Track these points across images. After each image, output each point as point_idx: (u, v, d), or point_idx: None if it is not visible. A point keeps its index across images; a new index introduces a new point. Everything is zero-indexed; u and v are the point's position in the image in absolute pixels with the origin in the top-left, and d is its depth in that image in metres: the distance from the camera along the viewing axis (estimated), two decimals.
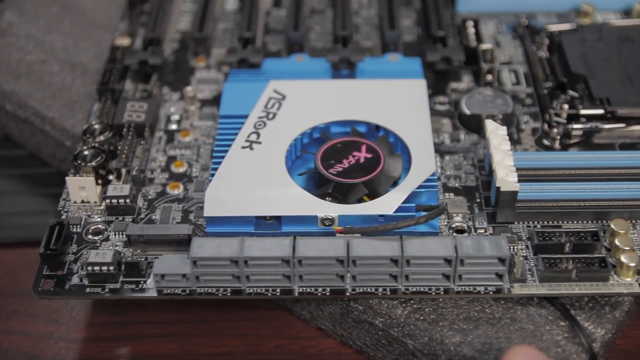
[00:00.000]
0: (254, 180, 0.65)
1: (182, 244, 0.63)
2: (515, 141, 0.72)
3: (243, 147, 0.67)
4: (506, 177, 0.63)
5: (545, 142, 0.72)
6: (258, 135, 0.68)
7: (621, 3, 0.85)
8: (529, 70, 0.79)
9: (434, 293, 0.61)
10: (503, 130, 0.67)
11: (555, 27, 0.81)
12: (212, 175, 0.65)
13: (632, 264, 0.61)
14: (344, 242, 0.60)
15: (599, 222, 0.65)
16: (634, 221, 0.65)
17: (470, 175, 0.69)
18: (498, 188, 0.63)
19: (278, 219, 0.64)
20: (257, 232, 0.64)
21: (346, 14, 0.82)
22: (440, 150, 0.71)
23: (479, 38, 0.80)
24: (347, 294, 0.61)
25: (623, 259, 0.61)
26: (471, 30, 0.81)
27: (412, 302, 0.63)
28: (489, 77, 0.76)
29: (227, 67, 0.79)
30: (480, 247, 0.60)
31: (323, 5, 0.87)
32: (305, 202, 0.63)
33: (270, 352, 0.66)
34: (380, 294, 0.61)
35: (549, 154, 0.69)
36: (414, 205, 0.63)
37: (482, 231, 0.65)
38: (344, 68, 0.76)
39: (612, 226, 0.63)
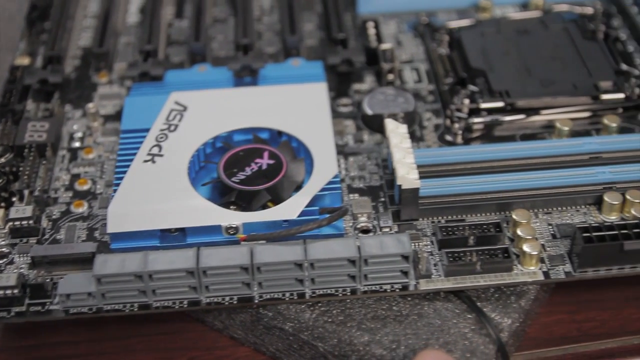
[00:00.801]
0: (157, 193, 0.64)
1: (87, 262, 0.63)
2: (418, 138, 0.73)
3: (145, 161, 0.67)
4: (407, 175, 0.63)
5: (448, 137, 0.73)
6: (160, 148, 0.68)
7: None
8: (430, 67, 0.79)
9: (340, 295, 0.62)
10: (403, 128, 0.67)
11: (454, 24, 0.82)
12: (115, 191, 0.65)
13: (535, 253, 0.62)
14: (248, 249, 0.60)
15: (502, 213, 0.66)
16: (535, 210, 0.66)
17: (375, 175, 0.69)
18: (399, 186, 0.64)
19: (183, 230, 0.63)
20: (162, 245, 0.63)
21: (247, 21, 0.82)
22: (344, 152, 0.71)
23: (379, 38, 0.81)
24: (255, 301, 0.61)
25: (525, 248, 0.62)
26: (372, 31, 0.81)
27: (320, 305, 0.63)
28: (390, 77, 0.77)
29: (130, 81, 0.78)
30: (383, 246, 0.60)
31: (225, 14, 0.87)
32: (208, 212, 0.63)
33: None
34: (287, 299, 0.62)
35: (450, 149, 0.70)
36: (317, 208, 0.63)
37: (387, 230, 0.65)
38: (247, 76, 0.76)
39: (514, 217, 0.64)
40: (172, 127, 0.69)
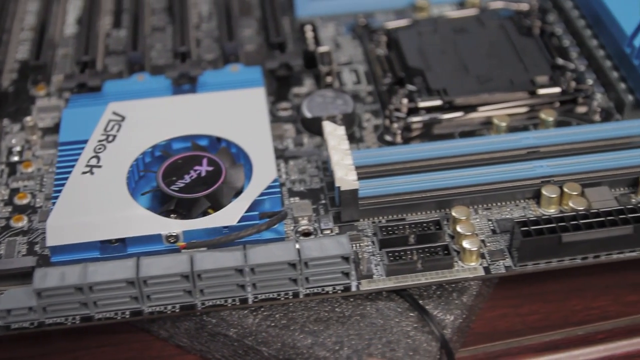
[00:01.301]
0: (96, 204, 0.64)
1: (27, 276, 0.62)
2: (357, 140, 0.73)
3: (83, 173, 0.66)
4: (345, 177, 0.64)
5: (387, 137, 0.73)
6: (98, 159, 0.67)
7: None
8: (369, 68, 0.80)
9: (283, 298, 0.62)
10: (341, 130, 0.67)
11: (392, 24, 0.83)
12: (54, 204, 0.64)
13: (474, 249, 0.63)
14: (188, 257, 0.60)
15: (442, 211, 0.67)
16: (475, 207, 0.67)
17: (315, 178, 0.70)
18: (338, 188, 0.64)
19: (123, 241, 0.63)
20: (103, 256, 0.63)
21: (185, 29, 0.81)
22: (284, 156, 0.71)
23: (317, 41, 0.81)
24: (198, 308, 0.61)
25: (465, 244, 0.63)
26: (310, 34, 0.82)
27: (262, 309, 0.63)
28: (329, 79, 0.77)
29: (69, 93, 0.78)
30: (323, 248, 0.60)
31: (163, 22, 0.87)
32: (147, 221, 0.63)
33: None
34: (230, 305, 0.62)
35: (388, 149, 0.70)
36: (257, 213, 0.63)
37: (328, 232, 0.65)
38: (185, 83, 0.76)
39: (453, 214, 0.65)
40: (110, 138, 0.69)
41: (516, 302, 0.68)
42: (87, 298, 0.60)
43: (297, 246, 0.60)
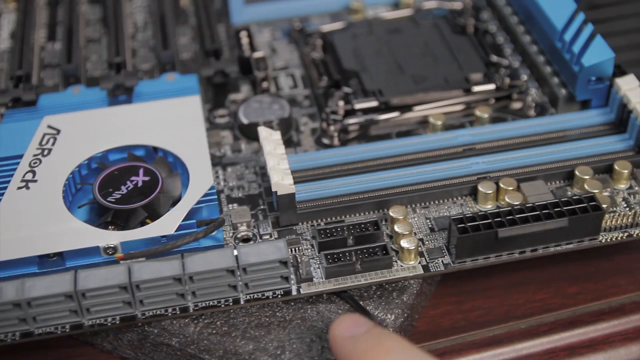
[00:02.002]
0: (32, 219, 0.64)
1: None
2: (295, 144, 0.73)
3: (19, 188, 0.66)
4: (281, 181, 0.64)
5: (325, 140, 0.73)
6: (34, 173, 0.67)
7: None
8: (305, 72, 0.80)
9: (223, 305, 0.62)
10: (277, 135, 0.67)
11: (327, 28, 0.83)
12: None
13: (412, 247, 0.63)
14: (126, 268, 0.60)
15: (381, 211, 0.67)
16: (413, 205, 0.67)
17: (253, 184, 0.70)
18: (275, 192, 0.64)
19: (61, 255, 0.63)
20: (42, 271, 0.63)
21: (120, 39, 0.81)
22: (222, 163, 0.71)
23: (253, 47, 0.81)
24: (138, 319, 0.61)
25: (403, 243, 0.63)
26: (245, 40, 0.82)
27: (203, 317, 0.63)
28: (265, 85, 0.77)
29: (4, 108, 0.77)
30: (261, 253, 0.60)
31: (98, 33, 0.86)
32: (85, 234, 0.63)
33: None
34: (170, 314, 0.61)
35: (325, 151, 0.70)
36: (194, 221, 0.63)
37: (268, 237, 0.65)
38: (121, 94, 0.76)
39: (391, 213, 0.65)
40: (46, 152, 0.69)
41: (459, 299, 0.69)
42: (26, 314, 0.60)
43: (235, 252, 0.60)
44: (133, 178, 0.66)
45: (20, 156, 0.69)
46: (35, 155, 0.68)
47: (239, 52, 0.80)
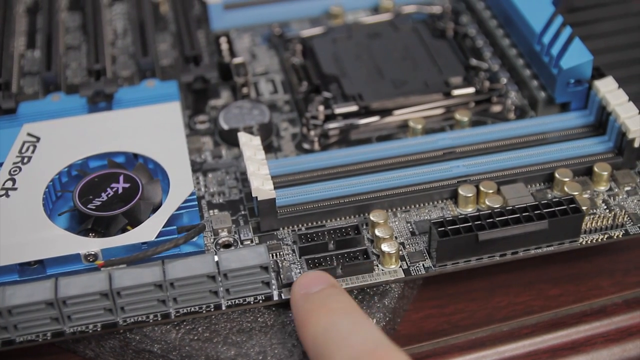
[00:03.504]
0: (12, 227, 0.64)
1: None
2: (276, 149, 0.73)
3: None
4: (261, 186, 0.64)
5: (305, 145, 0.73)
6: (14, 181, 0.67)
7: (369, 1, 0.87)
8: (285, 77, 0.80)
9: (205, 311, 0.62)
10: (257, 140, 0.67)
11: (307, 33, 0.83)
12: None
13: (393, 251, 0.63)
14: (106, 275, 0.60)
15: (362, 215, 0.67)
16: (394, 210, 0.67)
17: (234, 189, 0.70)
18: (256, 198, 0.64)
19: (42, 262, 0.63)
20: (22, 279, 0.62)
21: (99, 46, 0.81)
22: (202, 169, 0.71)
23: (233, 53, 0.81)
24: (120, 326, 0.61)
25: (384, 247, 0.63)
26: (225, 46, 0.82)
27: (185, 323, 0.63)
28: (245, 90, 0.77)
29: None
30: (241, 259, 0.60)
31: (78, 40, 0.86)
32: (65, 241, 0.63)
33: None
34: (152, 320, 0.61)
35: (305, 156, 0.70)
36: (175, 227, 0.63)
37: (249, 242, 0.65)
38: (101, 101, 0.75)
39: (371, 218, 0.65)
40: (26, 160, 0.68)
41: (441, 302, 0.69)
42: (7, 321, 0.59)
43: (216, 258, 0.60)
44: (113, 185, 0.66)
45: (0, 164, 0.68)
46: (15, 163, 0.68)
47: (218, 58, 0.80)
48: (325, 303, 0.57)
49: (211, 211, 0.68)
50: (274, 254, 0.64)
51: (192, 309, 0.62)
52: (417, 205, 0.68)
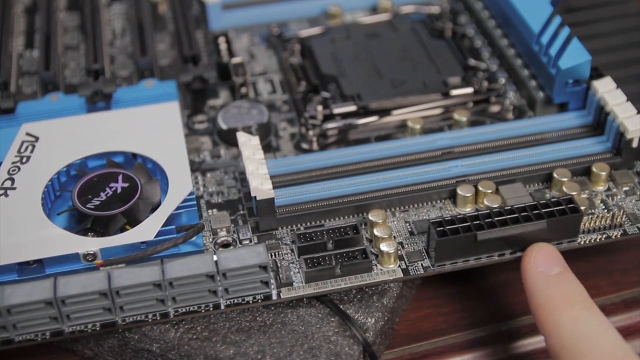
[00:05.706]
0: (11, 227, 0.64)
1: None
2: (274, 149, 0.73)
3: None
4: (260, 186, 0.64)
5: (304, 145, 0.73)
6: (12, 181, 0.67)
7: (367, 1, 0.87)
8: (283, 77, 0.80)
9: (203, 310, 0.62)
10: (255, 140, 0.67)
11: (305, 33, 0.83)
12: None
13: (391, 251, 0.63)
14: (105, 274, 0.60)
15: (360, 215, 0.67)
16: (393, 209, 0.67)
17: (233, 189, 0.70)
18: (254, 197, 0.64)
19: (40, 262, 0.63)
20: (21, 278, 0.63)
21: (98, 46, 0.81)
22: (201, 169, 0.71)
23: (231, 53, 0.81)
24: (119, 325, 0.61)
25: (383, 247, 0.63)
26: (223, 46, 0.82)
27: (184, 322, 0.63)
28: (244, 90, 0.77)
29: None
30: (240, 258, 0.61)
31: (77, 40, 0.86)
32: (64, 241, 0.63)
33: None
34: (151, 320, 0.61)
35: (304, 156, 0.70)
36: (174, 227, 0.63)
37: (248, 242, 0.65)
38: (100, 101, 0.76)
39: (370, 217, 0.65)
40: (24, 159, 0.69)
41: (439, 301, 0.69)
42: (6, 321, 0.59)
43: (215, 258, 0.60)
44: (112, 184, 0.66)
45: None
46: (13, 162, 0.68)
47: (217, 57, 0.80)
48: (566, 293, 0.58)
49: (210, 211, 0.68)
50: (273, 254, 0.64)
51: (191, 309, 0.62)
52: (416, 205, 0.68)
